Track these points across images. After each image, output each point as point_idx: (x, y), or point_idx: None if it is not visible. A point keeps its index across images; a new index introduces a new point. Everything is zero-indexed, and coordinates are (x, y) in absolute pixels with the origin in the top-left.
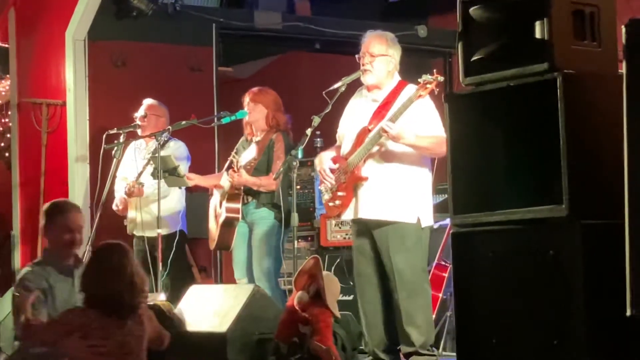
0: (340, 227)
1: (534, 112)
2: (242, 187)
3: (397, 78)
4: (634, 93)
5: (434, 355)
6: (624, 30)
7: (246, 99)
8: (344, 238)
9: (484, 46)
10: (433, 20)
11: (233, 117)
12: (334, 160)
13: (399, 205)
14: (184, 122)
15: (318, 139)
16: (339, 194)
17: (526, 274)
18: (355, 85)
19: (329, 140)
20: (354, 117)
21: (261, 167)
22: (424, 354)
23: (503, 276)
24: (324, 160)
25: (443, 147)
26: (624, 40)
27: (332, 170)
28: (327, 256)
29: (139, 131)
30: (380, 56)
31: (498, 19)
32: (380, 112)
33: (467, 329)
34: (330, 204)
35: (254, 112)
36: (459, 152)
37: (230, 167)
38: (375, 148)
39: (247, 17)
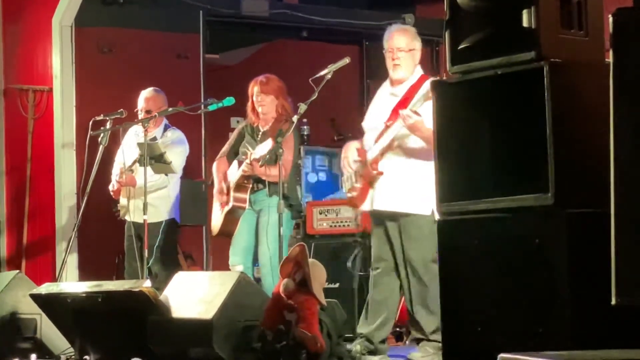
0: (326, 215)
1: (520, 100)
2: (251, 178)
3: (420, 72)
4: (620, 82)
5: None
6: (611, 19)
7: (255, 89)
8: (330, 226)
9: (471, 34)
10: (420, 8)
11: (220, 104)
12: (358, 152)
13: (414, 197)
14: (170, 109)
15: (305, 127)
16: (356, 185)
17: (511, 263)
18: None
19: (316, 127)
20: (377, 111)
21: (269, 158)
22: (432, 341)
23: (488, 264)
24: (350, 150)
25: None
26: (610, 30)
27: (355, 162)
28: (313, 244)
29: (141, 115)
30: (409, 51)
31: (485, 7)
32: (399, 108)
33: (453, 316)
34: (348, 194)
35: (265, 102)
36: (445, 141)
37: (237, 158)
38: (394, 143)
39: (234, 4)
